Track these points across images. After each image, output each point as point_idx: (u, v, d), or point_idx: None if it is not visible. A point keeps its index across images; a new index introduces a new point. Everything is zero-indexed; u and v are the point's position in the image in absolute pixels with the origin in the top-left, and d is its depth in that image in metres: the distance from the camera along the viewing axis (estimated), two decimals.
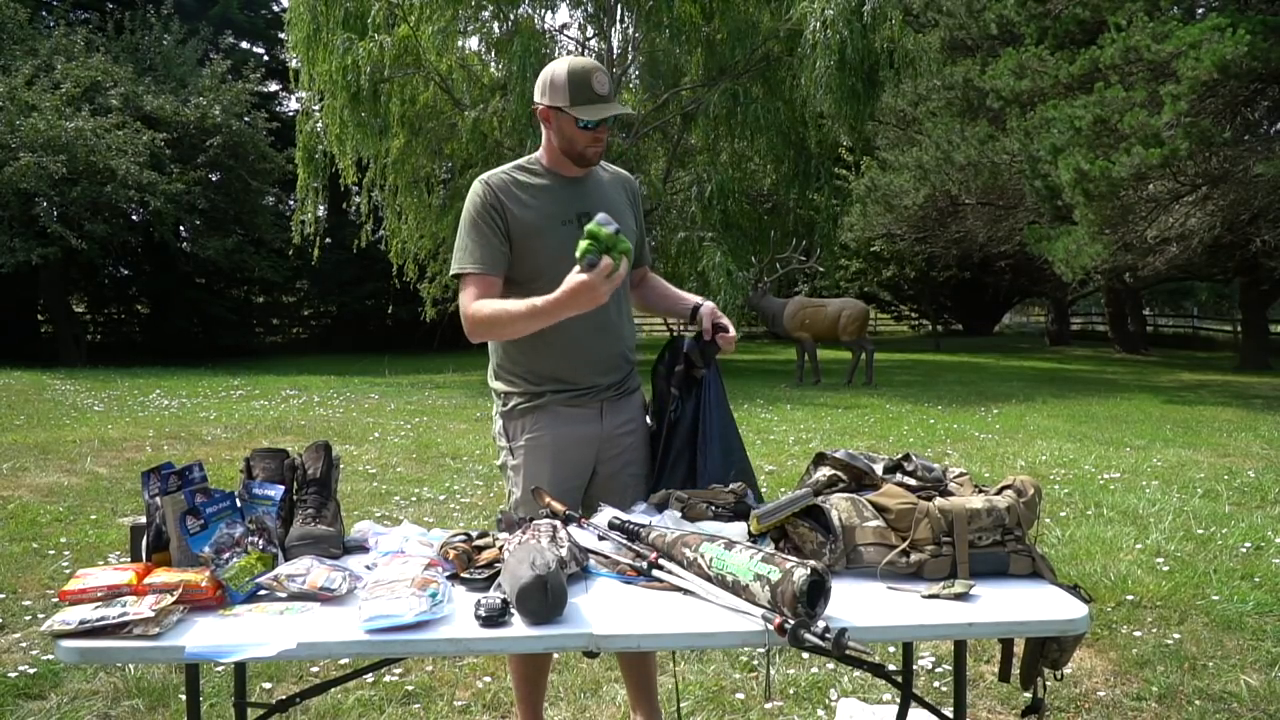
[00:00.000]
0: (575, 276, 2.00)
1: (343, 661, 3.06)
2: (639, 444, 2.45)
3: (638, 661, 2.58)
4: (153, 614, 1.53)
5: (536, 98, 2.28)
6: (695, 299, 2.46)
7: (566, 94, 2.20)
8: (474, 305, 2.22)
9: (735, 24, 14.18)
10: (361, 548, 1.99)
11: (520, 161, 2.35)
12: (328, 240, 17.71)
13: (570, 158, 2.29)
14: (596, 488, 2.38)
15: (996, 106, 13.42)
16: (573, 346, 2.30)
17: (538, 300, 2.09)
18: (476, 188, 2.29)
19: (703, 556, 1.69)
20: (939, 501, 1.81)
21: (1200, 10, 12.59)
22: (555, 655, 3.10)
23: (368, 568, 1.83)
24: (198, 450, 7.58)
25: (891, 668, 2.61)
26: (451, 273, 2.29)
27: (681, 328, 2.45)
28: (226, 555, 1.73)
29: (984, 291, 27.79)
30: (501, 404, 2.40)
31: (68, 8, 20.84)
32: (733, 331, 2.37)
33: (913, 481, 1.93)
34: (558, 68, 2.23)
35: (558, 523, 1.93)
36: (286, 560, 1.81)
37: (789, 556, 1.64)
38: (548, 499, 2.15)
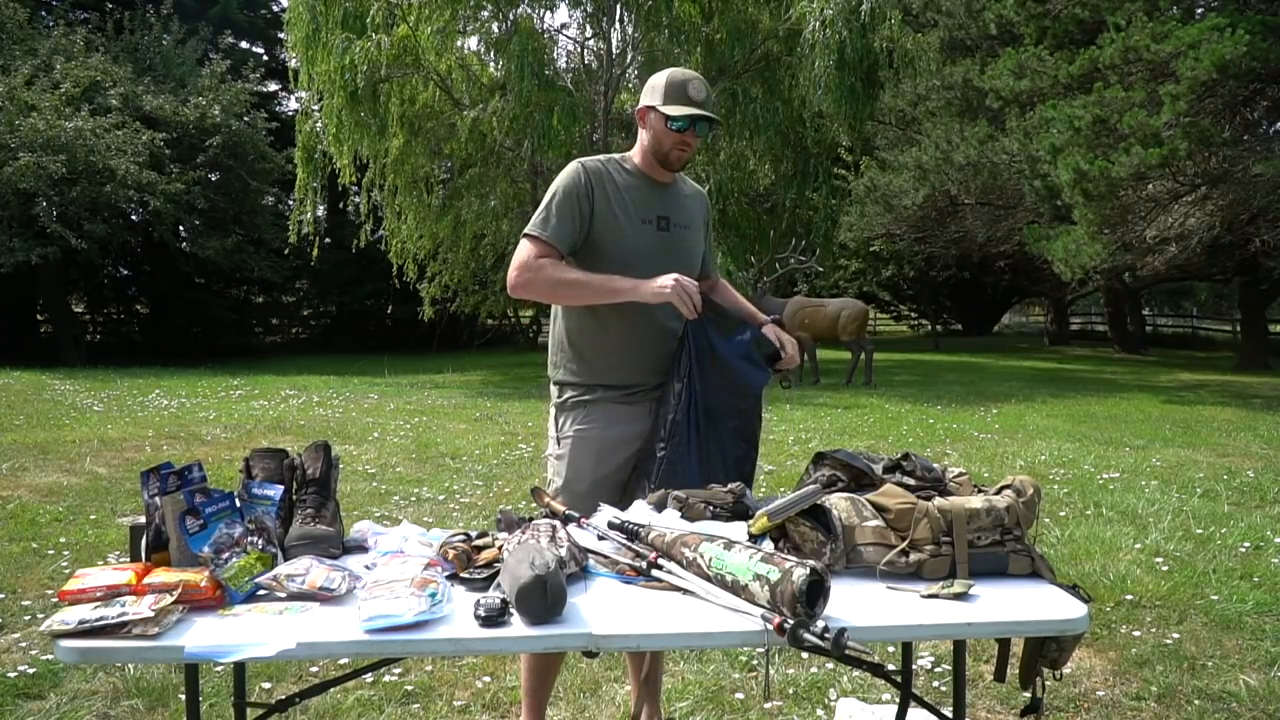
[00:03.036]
0: (668, 283, 2.19)
1: (342, 661, 3.06)
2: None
3: (651, 658, 2.61)
4: (152, 614, 1.53)
5: (641, 102, 2.40)
6: (765, 317, 2.54)
7: (662, 94, 2.33)
8: (539, 260, 2.29)
9: (734, 24, 14.18)
10: (361, 548, 1.98)
11: (616, 156, 2.45)
12: (327, 240, 17.74)
13: (657, 159, 2.39)
14: (635, 484, 2.40)
15: (996, 106, 13.42)
16: (631, 345, 2.37)
17: (609, 280, 2.26)
18: (574, 167, 2.38)
19: (702, 556, 1.69)
20: (938, 501, 1.82)
21: (1199, 10, 12.58)
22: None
23: (367, 568, 1.83)
24: (197, 450, 7.58)
25: (891, 667, 2.61)
26: (525, 232, 2.34)
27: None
28: (226, 555, 1.73)
29: (983, 291, 27.81)
30: (557, 395, 2.47)
31: (67, 7, 20.84)
32: (790, 351, 2.45)
33: (912, 481, 1.93)
34: (662, 73, 2.37)
35: (557, 523, 1.94)
36: (286, 560, 1.81)
37: (788, 556, 1.64)
38: (547, 499, 2.16)
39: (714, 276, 2.66)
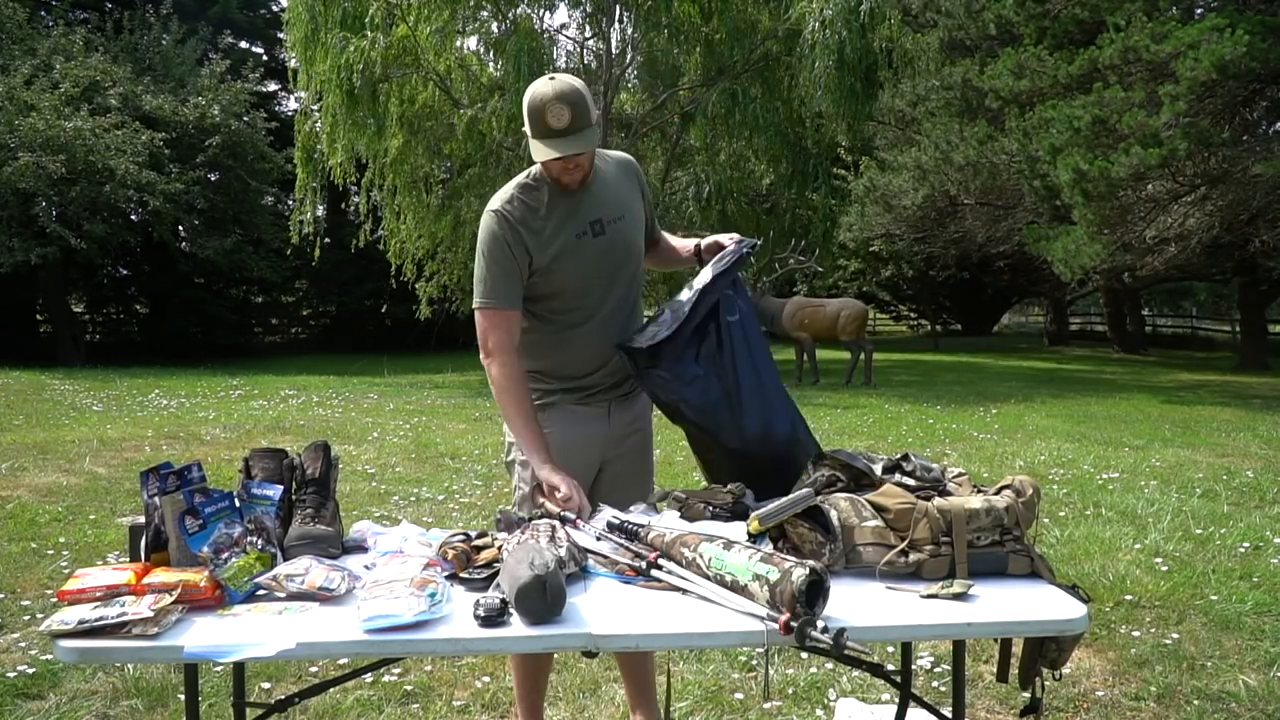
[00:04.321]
0: (557, 481, 2.11)
1: (341, 661, 3.06)
2: (644, 445, 2.48)
3: (637, 662, 2.58)
4: (151, 614, 1.53)
5: None
6: (693, 242, 2.48)
7: (528, 125, 2.17)
8: (500, 365, 2.23)
9: (734, 24, 14.17)
10: (360, 547, 1.99)
11: (522, 180, 2.31)
12: (326, 240, 17.72)
13: (553, 182, 2.26)
14: (601, 487, 2.39)
15: (995, 107, 13.41)
16: (587, 348, 2.32)
17: (534, 445, 2.19)
18: (488, 219, 2.26)
19: (701, 556, 1.69)
20: (938, 501, 1.82)
21: (1199, 10, 12.59)
22: (556, 654, 3.10)
23: (366, 567, 1.83)
24: (196, 450, 7.57)
25: (890, 667, 2.62)
26: (475, 304, 2.28)
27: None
28: (225, 555, 1.73)
29: (983, 291, 27.78)
30: None
31: (67, 7, 20.82)
32: (726, 239, 2.36)
33: (911, 481, 1.93)
34: (527, 93, 2.16)
35: (556, 523, 1.93)
36: (285, 560, 1.81)
37: (787, 556, 1.64)
38: (544, 500, 2.15)
39: (659, 235, 2.58)
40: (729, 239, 2.37)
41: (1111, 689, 3.09)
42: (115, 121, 16.41)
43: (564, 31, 19.30)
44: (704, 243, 2.44)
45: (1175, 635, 3.51)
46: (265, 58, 24.09)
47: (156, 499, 1.85)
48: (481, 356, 2.27)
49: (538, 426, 2.23)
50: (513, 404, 2.24)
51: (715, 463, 2.30)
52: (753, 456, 2.22)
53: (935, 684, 3.14)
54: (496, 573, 1.74)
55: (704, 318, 2.24)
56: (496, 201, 2.28)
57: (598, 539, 1.90)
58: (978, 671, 3.20)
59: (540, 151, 2.15)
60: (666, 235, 2.61)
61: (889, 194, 15.91)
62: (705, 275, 2.28)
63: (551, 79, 2.15)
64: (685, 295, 2.27)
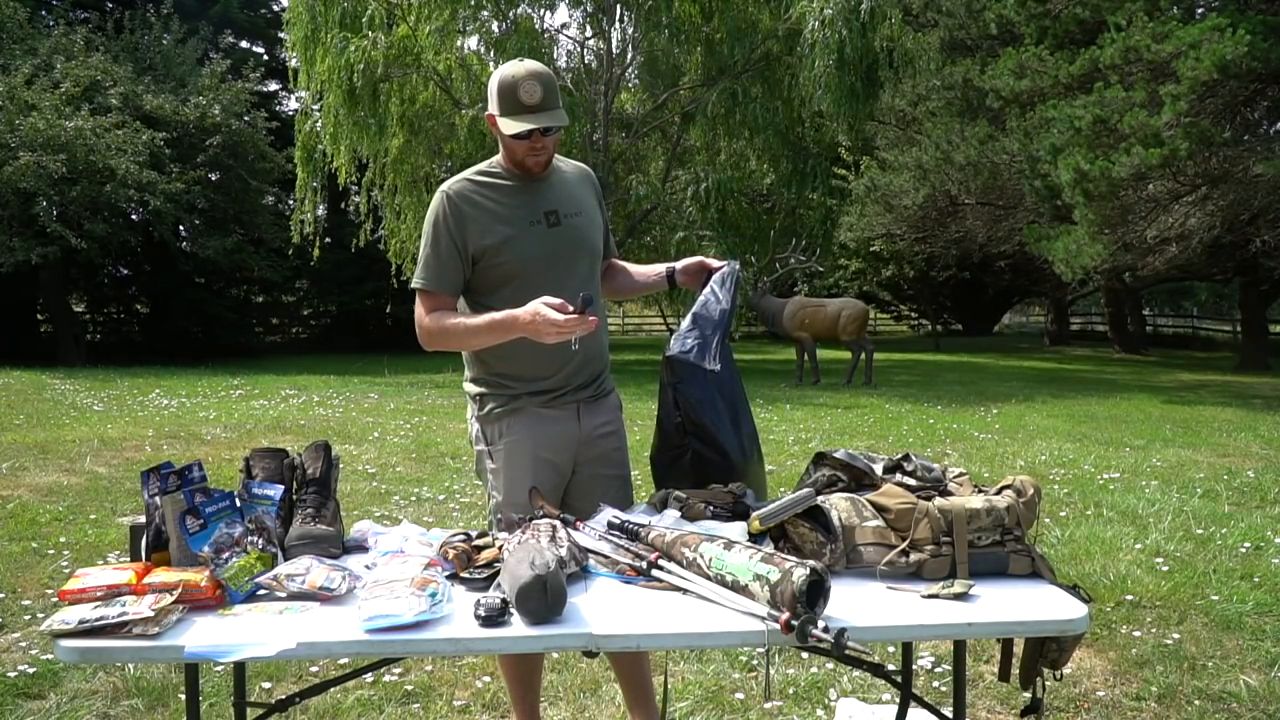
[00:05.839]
0: (549, 310, 2.01)
1: (342, 661, 3.06)
2: (618, 445, 2.44)
3: (632, 663, 2.54)
4: (152, 613, 1.53)
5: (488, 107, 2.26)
6: (664, 266, 2.49)
7: (497, 103, 2.18)
8: (429, 318, 2.25)
9: (734, 23, 14.20)
10: (361, 547, 1.99)
11: (482, 165, 2.32)
12: (327, 240, 17.72)
13: (516, 168, 2.27)
14: (576, 489, 2.36)
15: (996, 106, 13.41)
16: (548, 349, 2.25)
17: (497, 315, 2.13)
18: (437, 199, 2.26)
19: (702, 557, 1.69)
20: (938, 501, 1.82)
21: (1200, 10, 12.58)
22: (552, 655, 3.10)
23: (367, 567, 1.83)
24: (197, 450, 7.57)
25: (891, 667, 2.62)
26: (413, 284, 2.31)
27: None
28: (226, 555, 1.73)
29: (983, 291, 27.76)
30: (478, 408, 2.37)
31: (67, 7, 20.82)
32: (714, 262, 2.42)
33: (912, 481, 1.93)
34: (496, 74, 2.19)
35: (557, 523, 1.93)
36: (286, 560, 1.82)
37: (788, 556, 1.64)
38: (542, 501, 2.15)
39: (615, 262, 2.56)
40: (712, 261, 2.43)
41: (1112, 689, 3.09)
42: (116, 121, 16.40)
43: (564, 31, 19.34)
44: (679, 265, 2.45)
45: (1176, 635, 3.51)
46: (266, 57, 24.07)
47: (157, 499, 1.85)
48: (418, 333, 2.29)
49: (489, 315, 2.18)
50: (464, 326, 2.22)
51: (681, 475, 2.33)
52: (748, 464, 2.31)
53: (936, 684, 3.14)
54: (497, 572, 1.74)
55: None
56: (447, 182, 2.29)
57: (599, 539, 1.90)
58: (978, 671, 3.20)
59: (511, 126, 2.16)
60: (625, 264, 2.60)
61: (890, 194, 15.91)
62: (723, 296, 2.36)
63: (521, 61, 2.19)
64: (712, 309, 2.35)
